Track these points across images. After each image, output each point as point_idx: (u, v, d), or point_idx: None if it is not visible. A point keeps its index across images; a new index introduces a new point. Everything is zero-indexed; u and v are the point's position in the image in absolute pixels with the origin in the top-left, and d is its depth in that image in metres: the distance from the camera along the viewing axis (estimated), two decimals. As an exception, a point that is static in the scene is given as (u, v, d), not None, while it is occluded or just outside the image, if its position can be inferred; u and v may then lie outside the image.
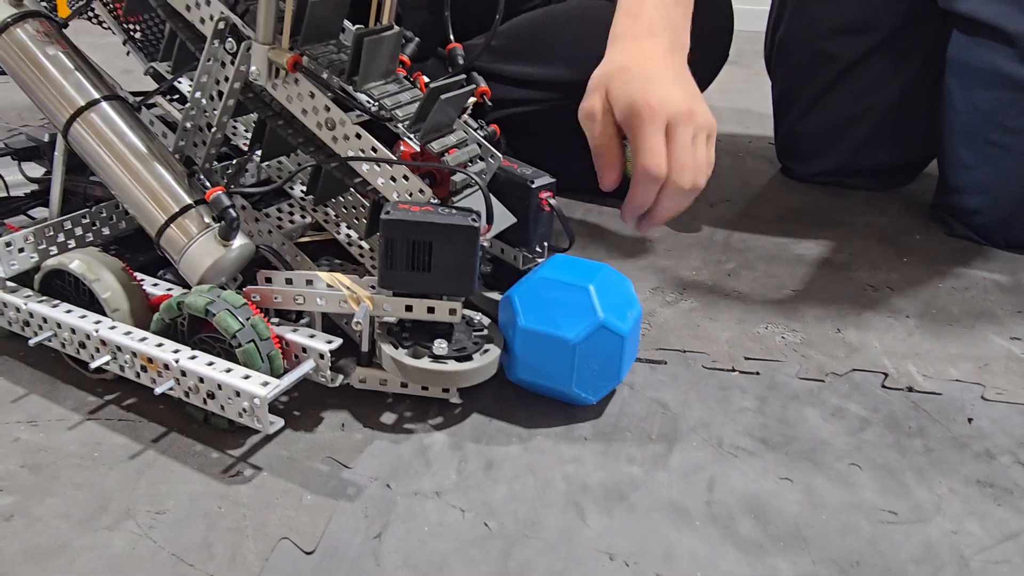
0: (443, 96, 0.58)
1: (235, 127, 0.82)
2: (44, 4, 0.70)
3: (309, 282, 0.62)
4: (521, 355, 0.62)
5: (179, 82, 0.79)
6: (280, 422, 0.57)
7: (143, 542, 0.51)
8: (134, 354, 0.59)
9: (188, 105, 0.65)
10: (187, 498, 0.54)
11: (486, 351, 0.61)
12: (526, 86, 0.96)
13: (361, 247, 0.75)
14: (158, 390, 0.58)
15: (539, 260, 0.74)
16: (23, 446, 0.58)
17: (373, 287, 0.61)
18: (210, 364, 0.57)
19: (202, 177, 0.63)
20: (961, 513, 0.56)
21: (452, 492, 0.56)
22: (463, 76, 0.66)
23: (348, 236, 0.75)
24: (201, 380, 0.57)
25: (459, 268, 0.58)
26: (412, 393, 0.64)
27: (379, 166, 0.61)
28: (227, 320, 0.57)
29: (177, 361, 0.57)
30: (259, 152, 0.73)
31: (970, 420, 0.65)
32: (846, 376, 0.70)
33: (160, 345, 0.59)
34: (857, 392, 0.68)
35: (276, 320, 0.63)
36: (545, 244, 0.74)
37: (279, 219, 0.80)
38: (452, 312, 0.59)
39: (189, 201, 0.62)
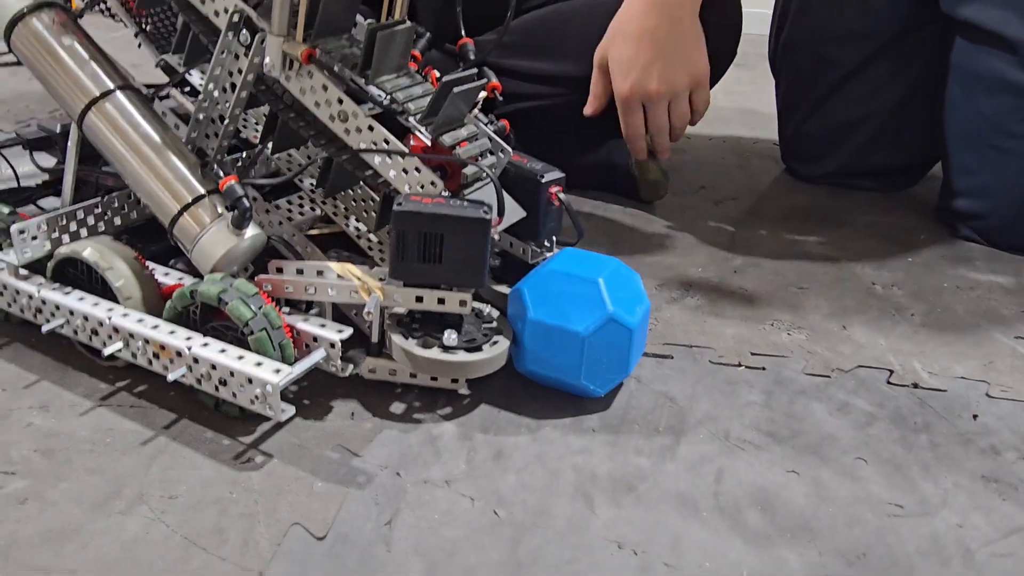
0: (455, 89, 0.59)
1: (245, 119, 0.83)
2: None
3: (320, 272, 0.62)
4: (530, 347, 0.63)
5: (189, 74, 0.80)
6: (291, 409, 0.57)
7: (156, 526, 0.51)
8: (147, 341, 0.59)
9: (201, 97, 0.66)
10: (199, 484, 0.55)
11: (495, 343, 0.62)
12: (536, 81, 0.97)
13: (370, 240, 0.75)
14: (171, 376, 0.58)
15: (548, 254, 0.74)
16: (36, 431, 0.59)
17: (383, 278, 0.62)
18: (222, 352, 0.57)
19: (215, 167, 0.63)
20: (966, 507, 0.56)
21: (462, 481, 0.56)
22: (475, 70, 0.66)
23: (357, 229, 0.76)
24: (213, 367, 0.57)
25: (470, 260, 0.59)
26: (421, 383, 0.64)
27: (391, 158, 0.62)
28: (240, 308, 0.57)
29: (190, 348, 0.58)
30: (270, 144, 0.73)
31: (975, 416, 0.65)
32: (852, 372, 0.70)
33: (173, 332, 0.59)
34: (863, 388, 0.68)
35: (287, 309, 0.63)
36: (554, 238, 0.75)
37: (289, 211, 0.80)
38: (462, 304, 0.60)
39: (202, 191, 0.62)
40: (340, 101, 0.61)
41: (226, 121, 0.66)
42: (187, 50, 0.72)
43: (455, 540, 0.51)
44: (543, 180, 0.70)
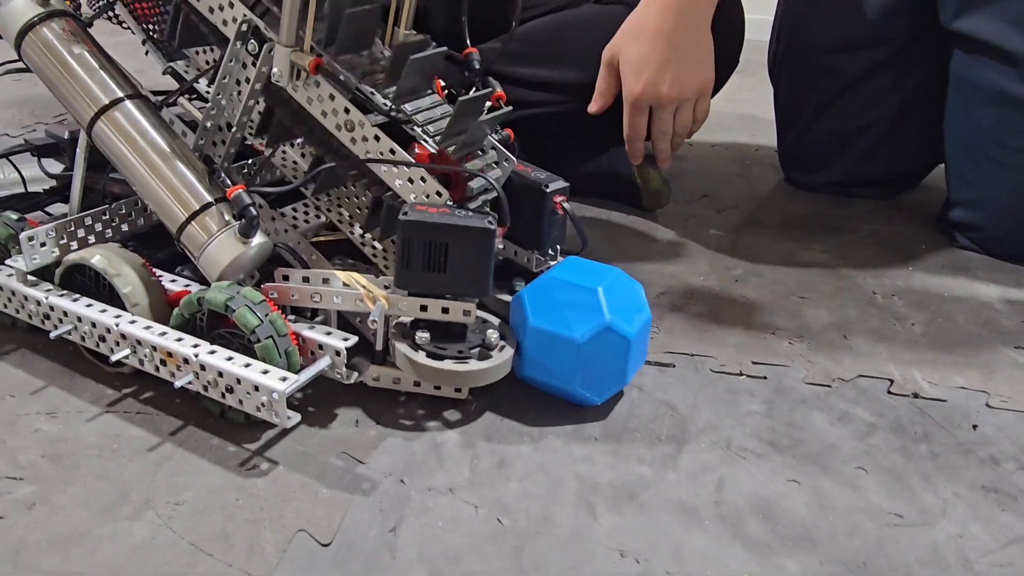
0: (481, 118, 0.60)
1: (252, 126, 0.83)
2: (69, 3, 0.71)
3: (326, 280, 0.63)
4: (530, 353, 0.63)
5: (197, 82, 0.80)
6: (297, 417, 0.58)
7: (163, 532, 0.52)
8: (154, 348, 0.60)
9: (209, 105, 0.67)
10: (205, 490, 0.55)
11: (499, 352, 0.62)
12: (539, 89, 0.97)
13: (375, 247, 0.76)
14: (178, 383, 0.59)
15: (551, 263, 0.75)
16: (43, 437, 0.59)
17: (387, 287, 0.62)
18: (229, 359, 0.58)
19: (223, 175, 0.64)
20: (966, 517, 0.56)
21: (465, 489, 0.57)
22: (489, 90, 0.67)
23: (362, 236, 0.76)
24: (220, 374, 0.58)
25: (474, 269, 0.59)
26: (425, 392, 0.65)
27: (396, 168, 0.62)
28: (247, 316, 0.58)
29: (197, 356, 0.58)
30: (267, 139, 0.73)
31: (975, 427, 0.66)
32: (852, 382, 0.71)
33: (180, 340, 0.60)
34: (863, 397, 0.69)
35: (292, 317, 0.64)
36: (558, 247, 0.75)
37: (294, 218, 0.81)
38: (466, 313, 0.60)
39: (210, 199, 0.63)
40: (347, 111, 0.62)
41: (233, 129, 0.67)
42: (179, 34, 0.70)
43: (459, 547, 0.52)
44: (548, 190, 0.71)
